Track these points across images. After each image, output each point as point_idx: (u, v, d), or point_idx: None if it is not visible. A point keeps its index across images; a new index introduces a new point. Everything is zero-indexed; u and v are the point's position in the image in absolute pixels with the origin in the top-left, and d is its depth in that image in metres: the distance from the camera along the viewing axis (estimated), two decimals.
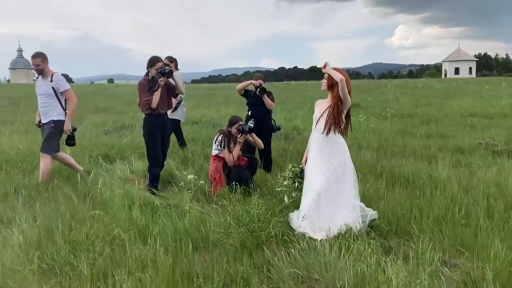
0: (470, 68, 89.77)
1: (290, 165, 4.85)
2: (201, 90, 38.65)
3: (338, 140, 4.34)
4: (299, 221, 4.23)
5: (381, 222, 4.23)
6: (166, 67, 5.59)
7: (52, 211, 4.58)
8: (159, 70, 5.58)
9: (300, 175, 4.66)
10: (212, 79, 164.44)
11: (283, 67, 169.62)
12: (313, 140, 4.45)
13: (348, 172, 4.33)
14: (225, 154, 5.72)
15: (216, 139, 5.83)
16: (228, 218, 4.10)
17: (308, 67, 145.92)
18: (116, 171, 6.58)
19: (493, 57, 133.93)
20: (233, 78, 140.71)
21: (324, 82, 4.37)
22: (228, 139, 5.80)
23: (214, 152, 5.86)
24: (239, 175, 5.59)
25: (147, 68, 5.75)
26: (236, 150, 5.74)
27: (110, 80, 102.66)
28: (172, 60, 7.65)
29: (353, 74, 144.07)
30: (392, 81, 50.96)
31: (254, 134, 5.94)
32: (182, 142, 8.24)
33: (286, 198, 4.71)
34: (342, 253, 3.54)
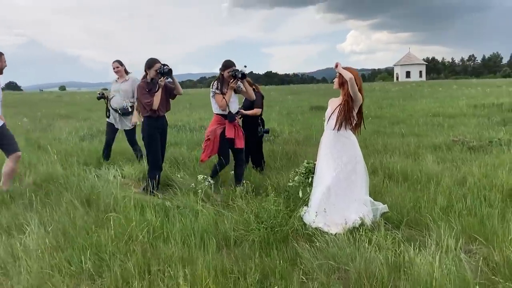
0: (420, 72, 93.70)
1: (306, 161, 4.95)
2: None
3: (349, 137, 4.51)
4: (312, 216, 4.36)
5: (393, 214, 4.43)
6: (165, 67, 5.58)
7: (62, 217, 4.48)
8: (158, 71, 5.57)
9: (313, 171, 4.78)
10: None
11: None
12: (325, 136, 4.61)
13: (359, 168, 4.50)
14: (218, 98, 5.59)
15: (212, 85, 5.74)
16: (250, 215, 4.17)
17: (264, 72, 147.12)
18: (108, 176, 6.47)
19: (440, 61, 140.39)
20: (189, 83, 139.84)
21: (335, 80, 4.55)
22: (221, 83, 5.67)
23: (215, 109, 5.75)
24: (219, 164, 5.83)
25: (145, 71, 5.74)
26: (229, 95, 5.59)
27: (62, 88, 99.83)
28: (121, 64, 7.56)
29: (308, 79, 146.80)
30: None
31: (246, 82, 5.70)
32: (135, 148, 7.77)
33: (300, 193, 4.83)
34: (364, 245, 3.69)
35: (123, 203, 4.85)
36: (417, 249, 3.51)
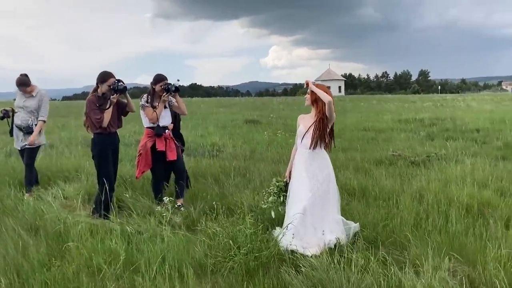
0: (340, 87, 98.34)
1: (274, 179, 4.80)
2: (79, 107, 36.20)
3: (324, 156, 4.44)
4: (288, 238, 4.20)
5: (368, 233, 4.40)
6: (120, 83, 5.20)
7: (9, 249, 3.92)
8: (111, 87, 5.17)
9: (284, 189, 4.66)
10: (86, 95, 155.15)
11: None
12: (299, 155, 4.49)
13: (332, 187, 4.44)
14: (148, 111, 5.51)
15: (141, 98, 5.65)
16: (225, 240, 3.90)
17: (188, 84, 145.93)
18: (47, 198, 5.86)
19: (356, 77, 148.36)
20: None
21: (307, 97, 4.46)
22: (152, 96, 5.59)
23: (145, 123, 5.66)
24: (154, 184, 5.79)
25: (96, 84, 5.29)
26: (160, 109, 5.54)
27: None
28: (25, 80, 6.50)
29: (232, 91, 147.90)
30: (274, 99, 53.44)
31: (178, 96, 5.72)
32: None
33: (273, 213, 4.68)
34: (350, 268, 3.59)
35: (77, 229, 4.37)
36: (406, 272, 3.48)
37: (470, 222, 4.59)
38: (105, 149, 5.31)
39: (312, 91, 4.36)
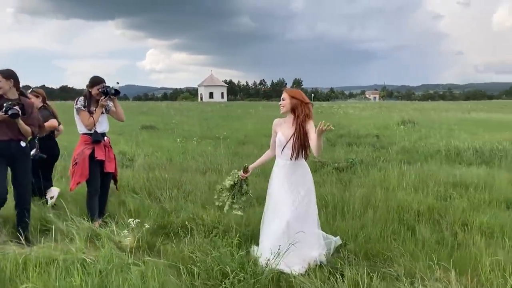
0: (222, 93, 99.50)
1: (233, 171, 4.42)
2: None
3: (304, 165, 4.14)
4: (266, 255, 3.83)
5: (351, 246, 4.24)
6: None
7: None
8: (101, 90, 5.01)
9: (239, 187, 4.33)
10: None
11: (28, 85, 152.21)
12: (279, 166, 4.13)
13: (313, 200, 4.16)
14: (84, 116, 4.97)
15: (77, 101, 5.07)
16: (220, 266, 3.39)
17: (58, 87, 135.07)
18: None
19: (236, 84, 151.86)
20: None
21: (283, 103, 4.07)
22: (89, 100, 5.06)
23: (81, 129, 5.07)
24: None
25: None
26: (98, 114, 5.01)
27: None
28: None
29: None
30: (160, 103, 51.91)
31: (116, 100, 5.22)
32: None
33: (226, 207, 4.32)
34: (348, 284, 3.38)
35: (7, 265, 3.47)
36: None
37: (436, 230, 4.70)
38: None
39: (290, 96, 4.02)
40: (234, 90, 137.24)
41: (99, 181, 5.12)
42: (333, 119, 23.72)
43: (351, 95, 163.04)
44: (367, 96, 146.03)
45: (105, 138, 5.24)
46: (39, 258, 3.69)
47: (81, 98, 5.05)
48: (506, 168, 8.69)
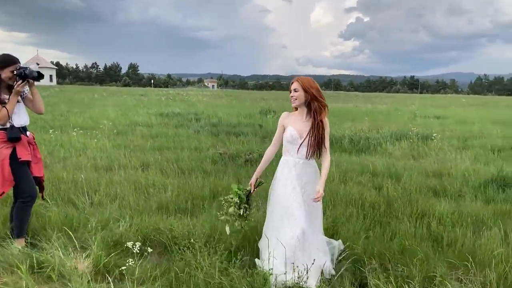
0: (51, 76, 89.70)
1: (235, 186, 3.76)
2: None
3: (315, 165, 3.70)
4: (280, 269, 3.36)
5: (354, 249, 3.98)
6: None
7: None
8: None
9: (246, 201, 3.74)
10: None
11: None
12: (290, 166, 3.61)
13: (319, 203, 3.77)
14: None
15: None
16: None
17: None
18: None
19: (65, 66, 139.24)
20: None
21: (296, 95, 3.56)
22: None
23: None
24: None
25: None
26: (13, 103, 3.87)
27: None
28: None
29: None
30: None
31: (34, 87, 4.04)
32: None
33: (227, 229, 3.74)
34: None
35: None
36: None
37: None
38: None
39: (304, 90, 3.54)
40: (62, 73, 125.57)
41: (34, 184, 3.99)
42: (196, 107, 23.31)
43: (188, 82, 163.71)
44: (206, 84, 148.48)
45: (28, 133, 4.05)
46: None
47: None
48: (388, 156, 9.46)
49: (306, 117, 3.60)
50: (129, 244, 3.02)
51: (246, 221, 3.76)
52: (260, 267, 3.49)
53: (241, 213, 3.71)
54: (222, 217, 3.73)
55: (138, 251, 3.01)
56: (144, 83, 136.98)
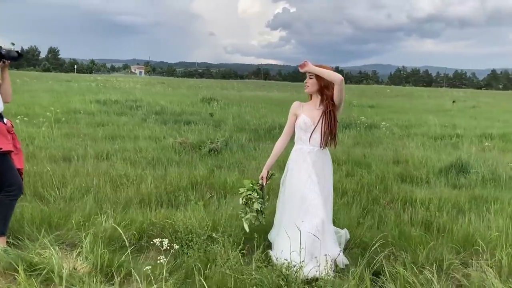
0: None
1: (250, 181, 3.61)
2: None
3: (328, 154, 3.62)
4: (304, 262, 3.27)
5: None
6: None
7: None
8: None
9: (261, 194, 3.61)
10: None
11: None
12: (305, 154, 3.51)
13: (331, 192, 3.71)
14: None
15: None
16: None
17: None
18: None
19: None
20: None
21: (310, 82, 3.47)
22: None
23: None
24: None
25: None
26: None
27: None
28: None
29: None
30: None
31: (6, 69, 3.57)
32: None
33: (246, 227, 3.60)
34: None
35: None
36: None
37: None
38: None
39: (317, 76, 3.44)
40: None
41: (19, 175, 3.56)
42: (133, 94, 22.38)
43: (113, 69, 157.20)
44: (133, 70, 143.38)
45: (5, 120, 3.59)
46: None
47: None
48: (340, 144, 9.69)
49: (319, 105, 3.53)
50: (156, 240, 2.76)
51: (264, 216, 3.63)
52: (277, 259, 3.38)
53: (259, 208, 3.59)
54: (248, 215, 3.58)
55: (167, 248, 2.76)
56: (66, 68, 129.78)
